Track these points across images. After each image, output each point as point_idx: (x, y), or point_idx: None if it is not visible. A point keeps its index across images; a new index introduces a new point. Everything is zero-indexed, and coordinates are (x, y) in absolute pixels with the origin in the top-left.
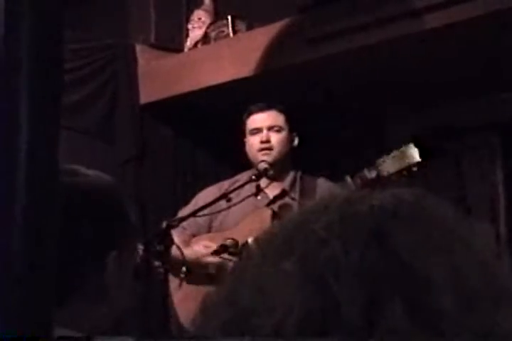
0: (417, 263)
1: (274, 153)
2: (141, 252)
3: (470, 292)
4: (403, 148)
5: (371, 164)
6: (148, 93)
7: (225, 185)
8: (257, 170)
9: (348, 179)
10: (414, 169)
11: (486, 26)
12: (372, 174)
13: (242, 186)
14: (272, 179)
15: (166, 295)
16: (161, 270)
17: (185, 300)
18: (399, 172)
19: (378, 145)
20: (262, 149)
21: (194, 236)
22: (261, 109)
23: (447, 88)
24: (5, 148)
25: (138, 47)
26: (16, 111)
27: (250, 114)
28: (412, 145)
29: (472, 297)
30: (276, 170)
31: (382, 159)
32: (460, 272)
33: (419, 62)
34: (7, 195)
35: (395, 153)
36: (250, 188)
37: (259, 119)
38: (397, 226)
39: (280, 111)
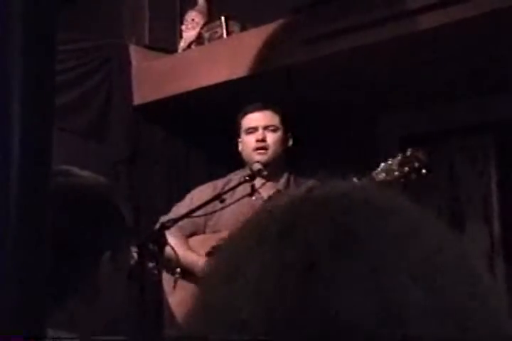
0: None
1: (270, 153)
2: (135, 253)
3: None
4: (410, 151)
5: (377, 166)
6: (142, 94)
7: (218, 184)
8: (251, 170)
9: (355, 181)
10: (424, 171)
11: (480, 27)
12: (380, 177)
13: (236, 187)
14: (266, 179)
15: (160, 297)
16: (155, 271)
17: (183, 303)
18: (407, 174)
19: (369, 146)
20: (258, 148)
21: (191, 235)
22: (257, 109)
23: (441, 89)
24: None
25: (131, 48)
26: (9, 112)
27: (246, 113)
28: (419, 148)
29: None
30: (270, 170)
31: (389, 161)
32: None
33: (413, 62)
34: (0, 195)
35: (402, 155)
36: (244, 188)
37: (255, 119)
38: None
39: (276, 111)
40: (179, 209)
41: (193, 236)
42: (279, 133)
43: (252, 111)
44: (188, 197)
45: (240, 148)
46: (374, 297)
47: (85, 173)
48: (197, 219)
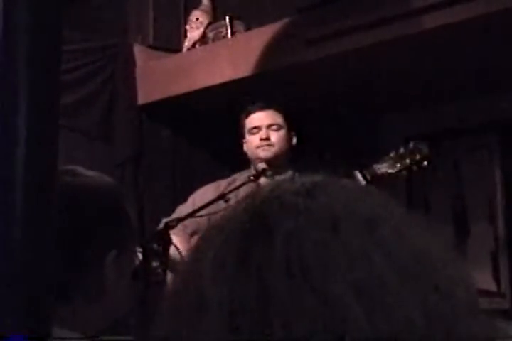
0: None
1: (274, 150)
2: (140, 254)
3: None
4: (412, 144)
5: (379, 160)
6: (146, 93)
7: (222, 184)
8: (256, 170)
9: (358, 174)
10: (425, 164)
11: (485, 26)
12: (382, 169)
13: (240, 186)
14: (271, 178)
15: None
16: (160, 270)
17: None
18: (409, 167)
19: (373, 146)
20: (262, 145)
21: (194, 234)
22: (260, 108)
23: (445, 88)
24: (4, 147)
25: (136, 48)
26: (15, 112)
27: (249, 113)
28: (421, 141)
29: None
30: (274, 169)
31: (391, 154)
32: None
33: (417, 62)
34: (6, 195)
35: (404, 148)
36: (249, 188)
37: (259, 118)
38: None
39: (278, 110)
40: (182, 209)
41: (195, 235)
42: (282, 132)
43: (254, 111)
44: (192, 197)
45: (244, 148)
46: (325, 326)
47: (91, 173)
48: (200, 218)
